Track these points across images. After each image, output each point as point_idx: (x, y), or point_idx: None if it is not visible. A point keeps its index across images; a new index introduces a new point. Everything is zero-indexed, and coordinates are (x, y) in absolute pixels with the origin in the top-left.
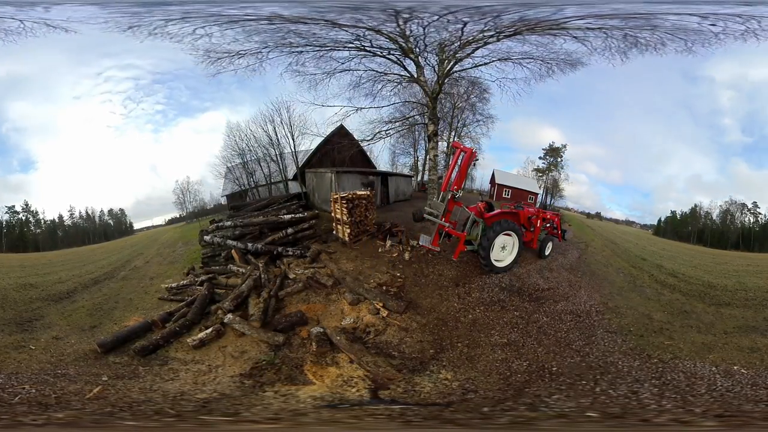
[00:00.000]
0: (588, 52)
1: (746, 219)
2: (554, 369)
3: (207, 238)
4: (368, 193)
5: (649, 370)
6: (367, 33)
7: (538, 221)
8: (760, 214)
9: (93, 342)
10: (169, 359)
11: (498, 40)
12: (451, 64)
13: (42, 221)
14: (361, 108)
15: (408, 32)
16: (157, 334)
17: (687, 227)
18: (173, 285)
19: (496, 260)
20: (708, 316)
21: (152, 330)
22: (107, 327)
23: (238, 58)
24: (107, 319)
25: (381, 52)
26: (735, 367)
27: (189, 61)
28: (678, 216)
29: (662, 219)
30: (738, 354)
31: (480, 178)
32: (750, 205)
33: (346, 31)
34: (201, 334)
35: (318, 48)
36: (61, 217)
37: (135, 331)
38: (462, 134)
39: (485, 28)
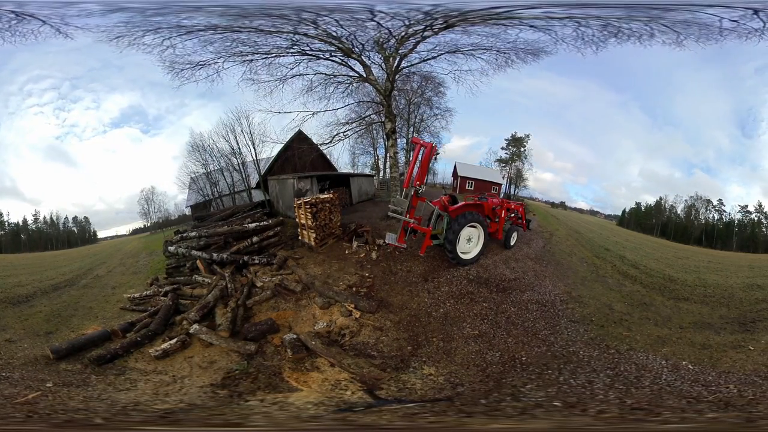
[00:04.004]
0: (553, 41)
1: (710, 216)
2: (524, 359)
3: (171, 248)
4: (331, 196)
5: (606, 361)
6: (297, 37)
7: (503, 212)
8: (724, 212)
9: (46, 348)
10: (127, 369)
11: (436, 33)
12: (397, 60)
13: (6, 223)
14: (317, 112)
15: (337, 33)
16: (116, 343)
17: (651, 219)
18: (136, 295)
19: (462, 253)
20: (666, 309)
21: (111, 339)
22: (64, 334)
23: (199, 68)
24: (64, 326)
25: (323, 55)
26: (683, 363)
27: (94, 59)
28: (642, 207)
29: (626, 210)
30: (689, 349)
31: (442, 171)
32: (715, 203)
33: (279, 36)
34: (165, 345)
35: (265, 55)
36: (25, 220)
37: (92, 339)
38: (420, 129)
39: (409, 23)
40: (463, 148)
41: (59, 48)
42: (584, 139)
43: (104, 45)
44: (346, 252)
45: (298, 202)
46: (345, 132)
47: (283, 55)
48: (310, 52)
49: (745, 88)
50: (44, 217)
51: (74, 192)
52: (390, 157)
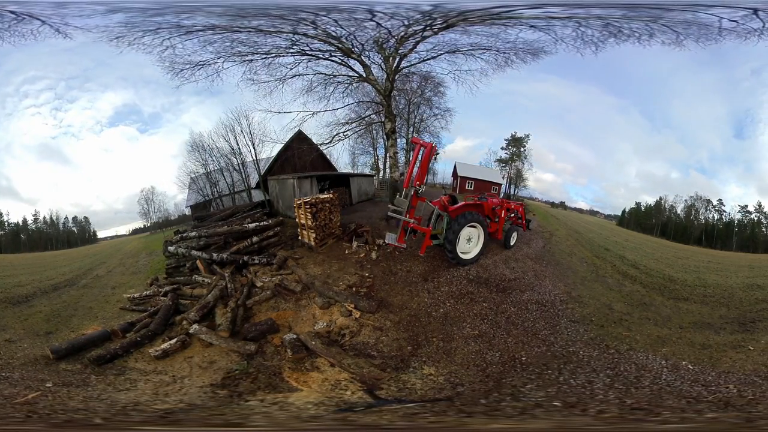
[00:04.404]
0: (552, 41)
1: (710, 216)
2: (524, 359)
3: (171, 248)
4: (331, 196)
5: (606, 361)
6: (296, 37)
7: (503, 212)
8: (724, 212)
9: (46, 348)
10: (126, 369)
11: (435, 33)
12: (397, 60)
13: (6, 223)
14: (317, 112)
15: (336, 33)
16: (116, 343)
17: (651, 219)
18: (136, 295)
19: (462, 253)
20: (666, 309)
21: (111, 339)
22: (63, 334)
23: (198, 68)
24: (64, 326)
25: (323, 55)
26: (683, 362)
27: (89, 58)
28: (642, 207)
29: (626, 210)
30: (689, 349)
31: (442, 171)
32: (715, 203)
33: (278, 36)
34: (164, 345)
35: (264, 55)
36: (25, 220)
37: (92, 339)
38: (420, 129)
39: (409, 23)
40: (465, 148)
41: (53, 48)
42: (585, 140)
43: (100, 45)
44: (346, 252)
45: (298, 201)
46: (345, 132)
47: (283, 55)
48: (309, 52)
49: (742, 89)
50: (44, 217)
51: (72, 192)
52: (390, 157)
